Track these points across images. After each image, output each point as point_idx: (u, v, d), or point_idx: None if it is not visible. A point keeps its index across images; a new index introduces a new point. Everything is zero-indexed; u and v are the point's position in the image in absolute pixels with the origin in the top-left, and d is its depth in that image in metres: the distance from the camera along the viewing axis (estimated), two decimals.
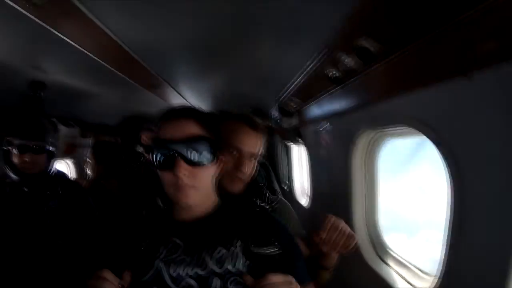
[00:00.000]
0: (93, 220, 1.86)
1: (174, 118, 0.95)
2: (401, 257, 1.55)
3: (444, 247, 1.05)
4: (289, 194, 3.85)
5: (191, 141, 0.91)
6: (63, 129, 2.62)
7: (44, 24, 1.25)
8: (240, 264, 0.88)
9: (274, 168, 4.83)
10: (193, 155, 0.91)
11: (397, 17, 0.93)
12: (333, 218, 1.15)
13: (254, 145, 1.25)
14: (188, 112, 0.97)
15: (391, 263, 1.60)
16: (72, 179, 2.38)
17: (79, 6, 1.18)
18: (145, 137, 3.56)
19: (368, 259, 1.68)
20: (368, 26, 1.05)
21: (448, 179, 1.01)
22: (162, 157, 0.92)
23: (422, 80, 1.01)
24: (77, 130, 2.96)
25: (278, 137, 3.95)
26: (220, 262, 0.88)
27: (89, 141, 2.53)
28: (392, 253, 1.62)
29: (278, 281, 0.82)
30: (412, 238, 1.56)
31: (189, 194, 0.91)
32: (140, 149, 3.51)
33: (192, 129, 0.93)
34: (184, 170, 0.89)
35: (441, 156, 1.02)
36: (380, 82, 1.27)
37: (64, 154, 3.01)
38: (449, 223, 1.03)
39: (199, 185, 0.93)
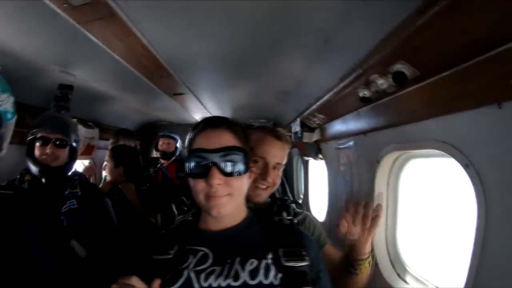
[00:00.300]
0: (109, 224, 1.87)
1: (210, 127, 0.97)
2: (420, 276, 1.57)
3: (468, 269, 1.07)
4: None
5: (227, 151, 0.93)
6: (82, 130, 2.67)
7: (78, 26, 1.30)
8: (272, 276, 0.88)
9: (290, 182, 4.88)
10: (228, 165, 0.92)
11: (434, 45, 1.00)
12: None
13: (279, 155, 1.31)
14: (223, 122, 0.98)
15: (410, 281, 1.62)
16: (90, 181, 2.42)
17: (117, 11, 1.22)
18: (162, 143, 3.67)
19: (386, 277, 1.69)
20: (405, 51, 1.11)
21: (476, 202, 1.05)
22: (197, 166, 0.93)
23: (454, 105, 1.07)
24: (96, 131, 3.01)
25: (297, 151, 3.99)
26: (253, 274, 0.88)
27: (108, 143, 2.59)
28: (410, 271, 1.64)
29: None
30: (433, 257, 1.58)
31: (222, 205, 0.92)
32: (157, 154, 3.61)
33: (228, 139, 0.95)
34: (218, 180, 0.90)
35: (469, 178, 1.07)
36: (411, 104, 1.32)
37: (82, 155, 3.05)
38: (474, 245, 1.05)
39: (232, 196, 0.94)
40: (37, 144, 1.71)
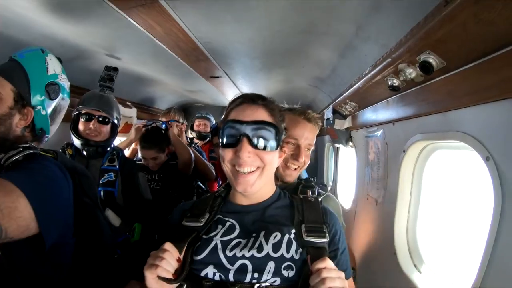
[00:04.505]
0: (141, 196, 1.98)
1: (246, 102, 1.01)
2: (435, 268, 1.58)
3: (481, 262, 1.08)
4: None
5: (259, 125, 0.96)
6: (121, 109, 2.78)
7: (121, 12, 1.38)
8: (293, 250, 0.92)
9: (320, 168, 4.89)
10: (259, 139, 0.95)
11: (459, 36, 0.99)
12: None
13: (310, 137, 1.37)
14: (260, 99, 1.02)
15: (425, 272, 1.64)
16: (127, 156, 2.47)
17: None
18: (198, 124, 3.79)
19: (403, 267, 1.71)
20: (431, 41, 1.10)
21: (493, 195, 1.04)
22: (229, 136, 0.97)
23: (477, 97, 1.06)
24: (135, 111, 3.09)
25: (328, 138, 3.99)
26: (275, 247, 0.92)
27: (145, 122, 2.66)
28: (427, 263, 1.66)
29: (333, 268, 0.84)
30: (449, 250, 1.58)
31: (249, 182, 0.96)
32: (193, 134, 3.69)
33: (262, 115, 0.98)
34: (247, 152, 0.94)
35: (488, 171, 1.06)
36: (437, 94, 1.31)
37: (120, 132, 3.20)
38: (489, 239, 1.05)
39: (260, 170, 0.97)
40: (82, 119, 1.82)
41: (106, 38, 1.84)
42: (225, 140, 0.98)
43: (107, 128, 1.88)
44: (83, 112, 1.82)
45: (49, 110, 1.17)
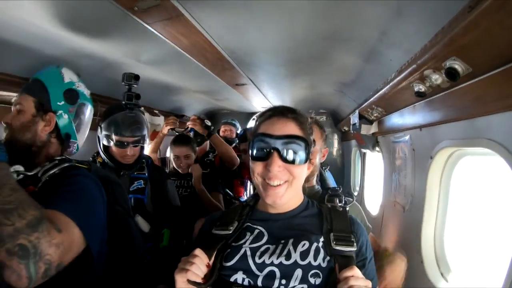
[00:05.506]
0: (170, 203, 2.03)
1: (277, 116, 1.03)
2: (463, 276, 1.54)
3: (508, 270, 1.06)
4: (358, 201, 3.85)
5: (289, 139, 0.98)
6: (147, 117, 2.78)
7: (147, 26, 1.43)
8: (321, 258, 0.94)
9: (346, 173, 4.84)
10: (289, 153, 0.98)
11: (484, 42, 0.98)
12: None
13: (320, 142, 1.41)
14: (290, 112, 1.04)
15: (452, 282, 1.60)
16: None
17: (182, 11, 1.33)
18: (224, 130, 3.86)
19: (430, 276, 1.68)
20: (457, 47, 1.10)
21: None
22: (259, 150, 0.99)
23: (504, 103, 1.04)
24: (162, 119, 3.12)
25: (355, 143, 3.95)
26: (303, 255, 0.94)
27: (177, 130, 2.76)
28: (454, 272, 1.62)
29: (360, 276, 0.86)
30: (477, 258, 1.54)
31: (278, 195, 0.99)
32: None
33: (292, 128, 1.00)
34: (277, 166, 0.97)
35: None
36: (463, 101, 1.29)
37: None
38: None
39: (289, 183, 0.99)
40: (113, 145, 1.82)
41: (132, 50, 1.90)
42: (255, 153, 1.01)
43: (139, 149, 1.92)
44: (115, 140, 1.82)
45: (71, 114, 1.26)
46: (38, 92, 1.20)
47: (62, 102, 1.23)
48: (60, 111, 1.22)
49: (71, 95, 1.26)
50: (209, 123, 2.67)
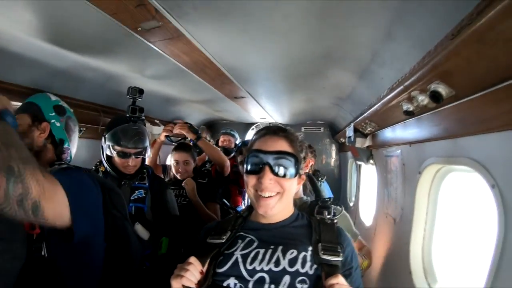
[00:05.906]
0: (169, 212, 2.08)
1: (269, 134, 1.13)
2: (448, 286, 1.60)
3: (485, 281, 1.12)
4: (354, 212, 3.90)
5: (280, 155, 1.07)
6: (148, 127, 2.90)
7: (150, 44, 1.52)
8: (308, 266, 1.00)
9: (343, 184, 4.89)
10: (279, 167, 1.07)
11: (465, 69, 1.06)
12: None
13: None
14: (281, 131, 1.14)
15: None
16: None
17: (183, 32, 1.42)
18: (223, 140, 3.92)
19: (417, 286, 1.74)
20: (441, 72, 1.17)
21: (497, 223, 1.08)
22: (253, 164, 1.09)
23: (484, 125, 1.12)
24: (161, 129, 3.14)
25: (351, 155, 4.02)
26: (291, 262, 1.00)
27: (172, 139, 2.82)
28: (440, 282, 1.68)
29: (345, 284, 0.92)
30: (461, 271, 1.60)
31: (269, 206, 1.07)
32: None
33: (282, 145, 1.10)
34: (269, 179, 1.05)
35: (494, 198, 1.11)
36: (448, 121, 1.36)
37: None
38: (492, 265, 1.09)
39: (280, 195, 1.08)
40: (116, 155, 1.91)
41: (136, 65, 1.98)
42: (249, 167, 1.10)
43: (140, 160, 2.00)
44: (118, 150, 1.91)
45: (62, 124, 1.44)
46: (31, 108, 1.39)
47: (53, 113, 1.42)
48: (52, 120, 1.40)
49: (60, 109, 1.45)
50: (196, 128, 2.72)
